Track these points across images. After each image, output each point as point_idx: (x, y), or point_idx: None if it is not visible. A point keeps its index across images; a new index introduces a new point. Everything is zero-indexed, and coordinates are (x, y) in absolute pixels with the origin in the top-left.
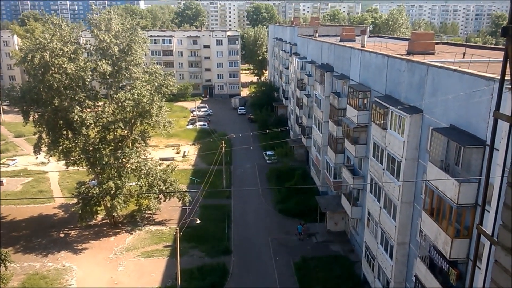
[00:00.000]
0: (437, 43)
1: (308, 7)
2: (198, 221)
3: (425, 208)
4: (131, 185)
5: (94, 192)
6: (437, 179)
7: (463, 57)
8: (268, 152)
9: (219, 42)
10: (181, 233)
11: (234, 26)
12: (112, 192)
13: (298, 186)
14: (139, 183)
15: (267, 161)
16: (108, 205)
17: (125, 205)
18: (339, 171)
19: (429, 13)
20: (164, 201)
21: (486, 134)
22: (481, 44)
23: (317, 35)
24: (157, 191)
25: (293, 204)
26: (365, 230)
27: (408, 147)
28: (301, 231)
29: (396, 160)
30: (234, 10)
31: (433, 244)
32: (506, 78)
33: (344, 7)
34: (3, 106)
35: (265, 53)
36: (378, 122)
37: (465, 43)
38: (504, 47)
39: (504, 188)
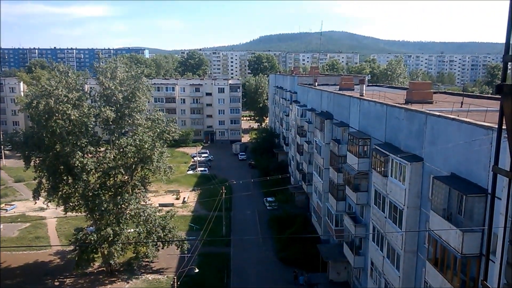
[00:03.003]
0: (434, 92)
1: (308, 57)
2: (196, 270)
3: (429, 258)
4: (129, 232)
5: (92, 238)
6: (440, 229)
7: (461, 106)
8: (269, 198)
9: (221, 90)
10: (178, 283)
11: (236, 75)
12: (110, 239)
13: (299, 235)
14: (137, 229)
15: (268, 207)
16: (105, 252)
17: (123, 252)
18: (341, 218)
19: (426, 63)
20: (162, 248)
21: (488, 183)
22: (478, 94)
23: (316, 84)
24: (156, 238)
25: (294, 252)
26: (369, 280)
27: (409, 195)
28: (302, 282)
29: (398, 208)
30: (236, 59)
31: None
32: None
33: (342, 58)
34: (5, 151)
35: (265, 101)
36: (378, 169)
37: (462, 92)
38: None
39: (508, 239)
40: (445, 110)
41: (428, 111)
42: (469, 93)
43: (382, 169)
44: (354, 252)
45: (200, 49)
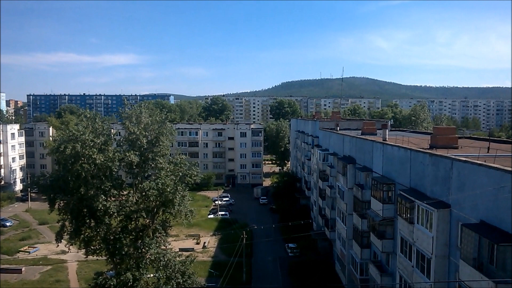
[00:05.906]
0: (459, 137)
1: (329, 102)
2: None
3: None
4: (148, 277)
5: (112, 283)
6: (470, 279)
7: (488, 152)
8: (290, 245)
9: (243, 134)
10: None
11: (258, 119)
12: (129, 284)
13: (322, 284)
14: (157, 275)
15: (289, 253)
16: None
17: None
18: (366, 267)
19: (449, 108)
20: None
21: None
22: (505, 139)
23: (338, 128)
24: (175, 285)
25: None
26: None
27: (437, 243)
28: None
29: (425, 257)
30: (258, 105)
31: None
32: None
33: (364, 103)
34: (31, 194)
35: (287, 145)
36: (404, 216)
37: (488, 137)
38: None
39: None
40: (471, 155)
41: (454, 156)
42: (495, 138)
43: (408, 215)
44: None
45: (223, 95)
